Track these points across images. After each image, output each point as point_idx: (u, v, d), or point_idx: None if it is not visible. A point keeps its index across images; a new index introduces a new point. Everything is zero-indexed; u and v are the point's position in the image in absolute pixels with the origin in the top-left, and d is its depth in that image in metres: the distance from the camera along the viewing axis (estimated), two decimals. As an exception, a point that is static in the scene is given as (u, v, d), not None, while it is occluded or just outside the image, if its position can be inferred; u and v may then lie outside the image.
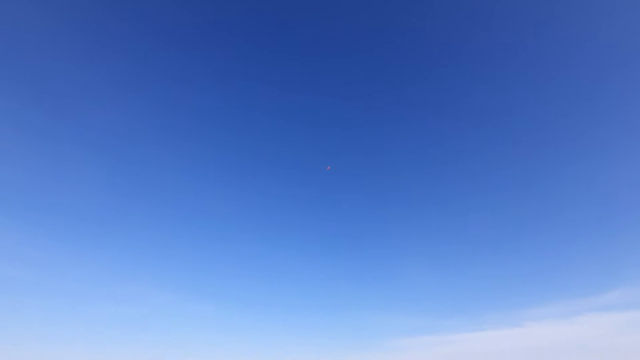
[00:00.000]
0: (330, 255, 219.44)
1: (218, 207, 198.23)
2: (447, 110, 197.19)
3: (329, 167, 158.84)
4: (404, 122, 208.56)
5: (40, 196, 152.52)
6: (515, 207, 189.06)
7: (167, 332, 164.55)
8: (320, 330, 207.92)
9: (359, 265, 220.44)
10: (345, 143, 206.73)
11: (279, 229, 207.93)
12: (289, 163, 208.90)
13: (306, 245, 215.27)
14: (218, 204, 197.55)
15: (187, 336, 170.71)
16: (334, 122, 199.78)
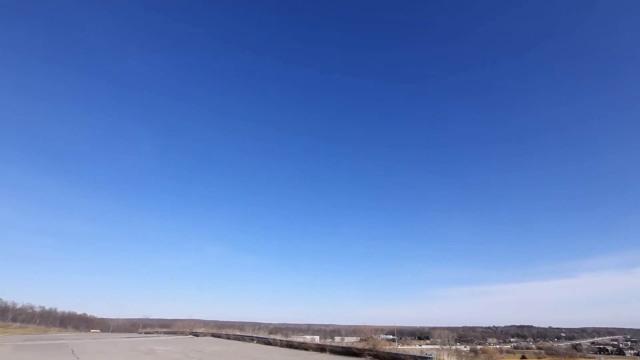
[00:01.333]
0: (378, 209, 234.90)
1: (264, 179, 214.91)
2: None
3: None
4: (462, 73, 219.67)
5: (117, 171, 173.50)
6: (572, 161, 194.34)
7: (220, 278, 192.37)
8: (365, 280, 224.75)
9: (405, 218, 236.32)
10: (402, 95, 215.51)
11: (317, 188, 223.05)
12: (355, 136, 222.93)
13: (347, 200, 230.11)
14: (264, 175, 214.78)
15: (237, 282, 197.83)
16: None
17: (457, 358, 13.93)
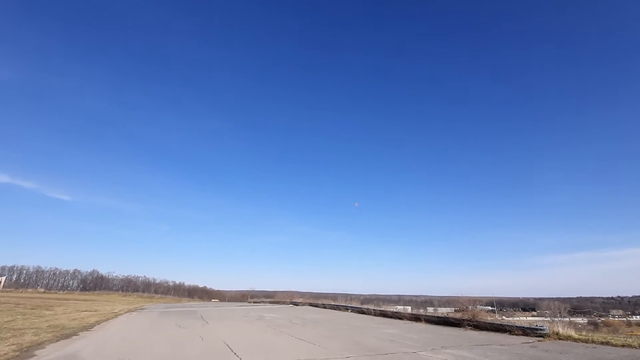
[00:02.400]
0: (464, 173, 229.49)
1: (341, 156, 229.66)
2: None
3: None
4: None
5: (212, 165, 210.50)
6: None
7: (311, 253, 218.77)
8: (459, 250, 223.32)
9: (497, 180, 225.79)
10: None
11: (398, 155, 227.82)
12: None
13: (437, 165, 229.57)
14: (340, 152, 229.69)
15: (321, 258, 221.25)
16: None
17: (575, 331, 12.45)
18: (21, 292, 66.85)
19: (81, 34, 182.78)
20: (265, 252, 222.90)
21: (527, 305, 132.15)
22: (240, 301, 61.01)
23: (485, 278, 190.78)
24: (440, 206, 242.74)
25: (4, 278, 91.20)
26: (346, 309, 25.88)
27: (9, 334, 10.93)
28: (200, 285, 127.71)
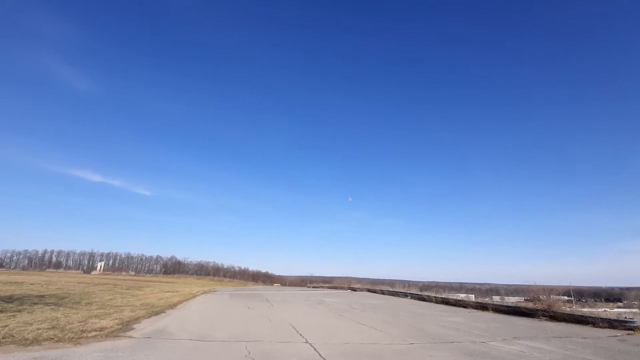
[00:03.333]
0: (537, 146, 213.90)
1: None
2: None
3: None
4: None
5: (269, 158, 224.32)
6: None
7: (366, 240, 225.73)
8: (527, 235, 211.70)
9: (574, 155, 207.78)
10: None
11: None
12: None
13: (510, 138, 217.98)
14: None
15: (378, 244, 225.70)
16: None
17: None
18: (116, 275, 78.18)
19: (151, 43, 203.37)
20: (324, 239, 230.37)
21: (611, 296, 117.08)
22: (300, 286, 63.72)
23: (560, 265, 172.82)
24: (506, 185, 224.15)
25: (102, 263, 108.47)
26: (405, 295, 25.57)
27: (112, 310, 12.95)
28: (263, 271, 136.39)
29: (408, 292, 26.46)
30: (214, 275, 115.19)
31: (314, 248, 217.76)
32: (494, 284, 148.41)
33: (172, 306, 15.64)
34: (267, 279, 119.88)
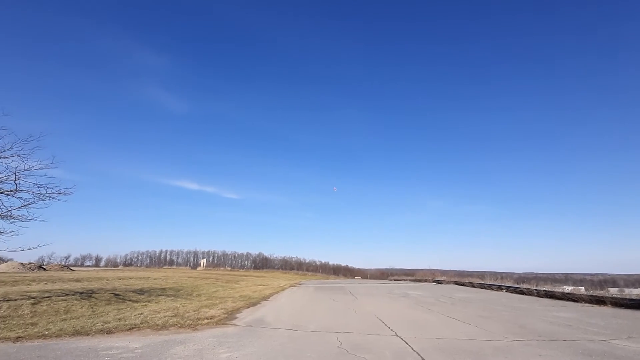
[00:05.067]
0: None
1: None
2: None
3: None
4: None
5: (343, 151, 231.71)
6: None
7: (448, 230, 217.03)
8: (599, 230, 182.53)
9: None
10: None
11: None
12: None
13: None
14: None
15: (462, 234, 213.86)
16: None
17: None
18: (216, 270, 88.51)
19: (228, 61, 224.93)
20: (403, 230, 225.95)
21: None
22: (380, 279, 63.27)
23: None
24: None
25: (204, 260, 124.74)
26: (500, 288, 23.37)
27: (217, 301, 14.79)
28: (343, 264, 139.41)
29: (503, 284, 24.10)
30: (297, 270, 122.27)
31: (393, 240, 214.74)
32: (609, 274, 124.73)
33: (265, 298, 17.14)
34: (347, 272, 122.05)
